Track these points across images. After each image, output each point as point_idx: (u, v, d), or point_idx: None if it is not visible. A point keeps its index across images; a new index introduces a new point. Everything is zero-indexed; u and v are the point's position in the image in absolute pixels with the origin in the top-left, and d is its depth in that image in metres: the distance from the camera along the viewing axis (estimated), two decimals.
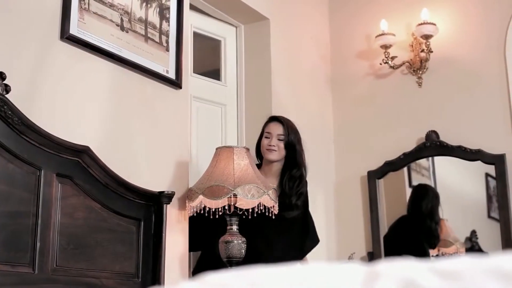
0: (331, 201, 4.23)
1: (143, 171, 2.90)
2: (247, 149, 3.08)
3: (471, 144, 3.92)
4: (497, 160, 3.85)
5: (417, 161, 4.18)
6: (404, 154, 4.06)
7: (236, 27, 3.97)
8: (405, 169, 4.21)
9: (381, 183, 4.14)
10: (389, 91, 4.23)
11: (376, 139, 4.18)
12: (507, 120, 3.89)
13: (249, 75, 3.89)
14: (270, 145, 3.23)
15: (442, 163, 4.14)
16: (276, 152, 3.23)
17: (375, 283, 0.78)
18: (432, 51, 4.03)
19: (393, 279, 0.70)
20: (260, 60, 3.87)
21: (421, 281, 0.67)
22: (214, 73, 3.92)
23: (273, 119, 3.33)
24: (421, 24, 4.01)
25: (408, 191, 4.38)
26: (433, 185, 4.49)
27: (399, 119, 4.16)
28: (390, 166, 4.09)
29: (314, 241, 3.37)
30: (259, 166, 3.31)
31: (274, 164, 3.29)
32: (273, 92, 3.82)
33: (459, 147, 3.93)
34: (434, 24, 4.02)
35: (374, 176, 4.09)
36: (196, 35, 3.81)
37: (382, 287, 0.77)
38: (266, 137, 3.27)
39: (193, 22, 3.76)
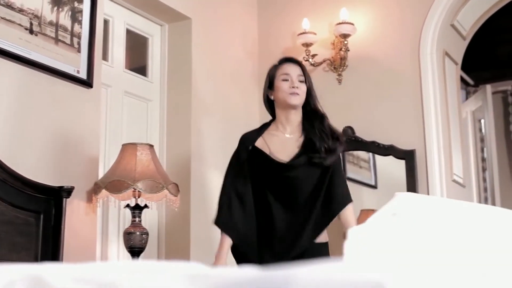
0: None
1: (51, 167, 3.10)
2: (151, 146, 3.27)
3: (384, 139, 4.11)
4: (407, 156, 4.05)
5: (355, 153, 4.37)
6: None
7: (161, 25, 4.15)
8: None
9: None
10: None
11: None
12: (418, 117, 4.08)
13: (172, 72, 4.07)
14: (294, 87, 2.82)
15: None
16: (299, 96, 2.83)
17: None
18: (349, 50, 4.22)
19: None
20: (182, 58, 4.05)
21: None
22: (143, 70, 4.11)
23: (288, 60, 2.97)
24: (340, 23, 4.19)
25: None
26: (372, 177, 4.68)
27: None
28: None
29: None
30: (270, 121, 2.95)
31: (293, 114, 2.86)
32: (193, 89, 4.00)
33: (373, 142, 4.13)
34: (352, 24, 4.19)
35: None
36: (127, 32, 3.97)
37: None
38: (284, 80, 2.85)
39: (125, 19, 3.94)
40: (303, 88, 2.85)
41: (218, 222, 2.79)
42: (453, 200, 1.73)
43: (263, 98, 2.96)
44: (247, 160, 2.86)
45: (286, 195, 2.78)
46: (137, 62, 4.12)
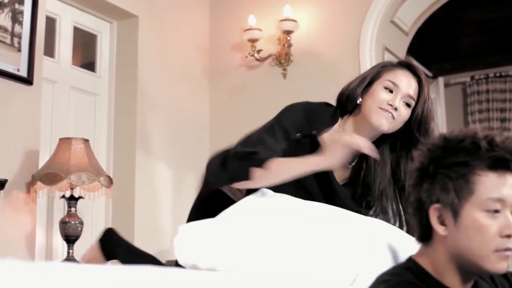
0: None
1: None
2: (86, 140, 3.44)
3: None
4: None
5: None
6: None
7: (110, 23, 4.32)
8: None
9: None
10: (258, 82, 4.59)
11: (246, 127, 4.48)
12: None
13: (119, 68, 4.24)
14: (391, 105, 2.03)
15: None
16: (393, 121, 2.04)
17: None
18: (291, 45, 4.38)
19: None
20: (129, 55, 4.22)
21: None
22: (92, 66, 4.29)
23: (408, 67, 2.13)
24: (283, 20, 4.35)
25: None
26: None
27: (266, 109, 4.42)
28: None
29: None
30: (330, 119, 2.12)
31: (368, 138, 2.04)
32: (139, 84, 4.17)
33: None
34: (295, 21, 4.35)
35: None
36: (75, 29, 4.15)
37: None
38: (387, 89, 2.06)
39: (73, 17, 4.12)
40: (403, 114, 2.05)
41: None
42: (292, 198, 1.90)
43: (348, 89, 2.17)
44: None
45: None
46: (86, 59, 4.30)
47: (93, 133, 4.08)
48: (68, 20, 4.09)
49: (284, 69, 4.48)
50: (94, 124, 4.15)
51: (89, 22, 4.22)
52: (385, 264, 1.57)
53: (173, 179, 4.36)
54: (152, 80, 4.30)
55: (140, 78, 4.20)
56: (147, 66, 4.26)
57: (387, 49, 4.40)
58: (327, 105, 2.25)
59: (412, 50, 5.49)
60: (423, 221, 1.48)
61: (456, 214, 1.42)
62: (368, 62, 4.25)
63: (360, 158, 2.14)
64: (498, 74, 6.10)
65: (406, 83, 2.06)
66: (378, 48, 4.32)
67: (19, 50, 3.52)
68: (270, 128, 2.12)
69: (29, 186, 3.42)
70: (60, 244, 3.80)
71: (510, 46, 6.02)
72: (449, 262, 1.45)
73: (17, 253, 3.30)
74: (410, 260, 1.51)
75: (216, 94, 4.73)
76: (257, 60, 4.48)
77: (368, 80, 2.12)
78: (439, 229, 1.45)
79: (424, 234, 1.50)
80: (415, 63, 2.20)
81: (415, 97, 2.07)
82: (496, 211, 1.41)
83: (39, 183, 3.31)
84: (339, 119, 2.16)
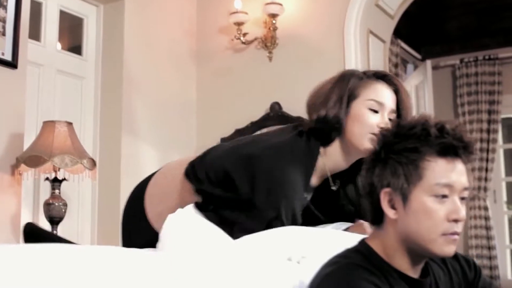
0: None
1: None
2: (69, 123, 3.49)
3: None
4: None
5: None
6: (252, 122, 4.48)
7: (97, 6, 4.34)
8: None
9: None
10: (244, 65, 4.62)
11: (232, 109, 4.59)
12: None
13: (106, 51, 4.27)
14: (383, 127, 1.79)
15: None
16: None
17: None
18: (276, 28, 4.41)
19: None
20: (115, 38, 4.25)
21: None
22: (79, 49, 4.32)
23: (384, 77, 2.00)
24: (268, 3, 4.38)
25: None
26: None
27: (252, 91, 4.56)
28: (240, 134, 4.50)
29: None
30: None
31: (352, 161, 2.02)
32: (124, 68, 4.21)
33: (298, 117, 4.33)
34: (280, 4, 4.38)
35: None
36: (62, 13, 4.18)
37: None
38: (372, 110, 1.93)
39: (59, 0, 4.15)
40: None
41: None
42: None
43: (329, 115, 1.92)
44: None
45: None
46: (72, 42, 4.33)
47: (79, 116, 4.13)
48: (54, 3, 4.11)
49: (270, 52, 4.52)
50: (81, 107, 4.19)
51: (75, 5, 4.25)
52: (333, 246, 1.60)
53: (159, 161, 4.40)
54: (139, 63, 4.34)
55: (126, 61, 4.23)
56: (133, 49, 4.30)
57: (371, 32, 4.43)
58: (297, 136, 1.98)
59: (402, 32, 5.53)
60: (375, 205, 1.53)
61: (405, 198, 1.47)
62: (352, 45, 4.29)
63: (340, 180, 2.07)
64: (487, 57, 6.13)
65: (388, 98, 1.94)
66: (363, 31, 4.35)
67: (3, 34, 3.55)
68: (277, 214, 1.84)
69: (14, 168, 3.47)
70: (45, 226, 3.85)
71: (498, 29, 6.04)
72: (398, 244, 1.50)
73: (2, 235, 3.37)
74: (362, 243, 1.56)
75: (202, 77, 4.77)
76: (243, 43, 4.51)
77: (347, 100, 1.92)
78: (389, 212, 1.50)
79: (376, 218, 1.55)
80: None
81: (395, 107, 1.96)
82: (444, 196, 1.46)
83: (23, 166, 3.36)
84: (320, 148, 1.95)
